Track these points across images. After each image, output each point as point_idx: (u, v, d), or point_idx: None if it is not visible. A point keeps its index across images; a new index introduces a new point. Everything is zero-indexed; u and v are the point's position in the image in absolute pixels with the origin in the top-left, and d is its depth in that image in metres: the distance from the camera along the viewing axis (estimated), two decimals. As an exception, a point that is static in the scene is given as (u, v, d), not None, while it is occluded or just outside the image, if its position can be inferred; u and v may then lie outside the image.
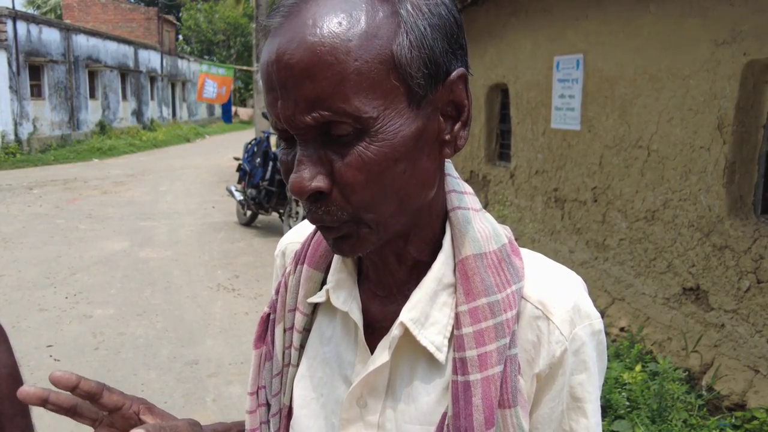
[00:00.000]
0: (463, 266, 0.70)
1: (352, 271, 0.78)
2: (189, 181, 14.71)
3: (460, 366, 0.67)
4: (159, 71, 31.29)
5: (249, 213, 9.43)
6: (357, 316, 0.75)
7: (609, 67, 4.89)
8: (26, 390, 0.72)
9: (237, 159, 10.03)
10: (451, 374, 0.69)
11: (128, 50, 27.67)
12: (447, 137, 0.68)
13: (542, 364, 0.69)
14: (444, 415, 0.70)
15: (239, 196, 9.29)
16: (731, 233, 3.76)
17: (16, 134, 18.64)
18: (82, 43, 23.25)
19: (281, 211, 8.80)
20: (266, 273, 7.00)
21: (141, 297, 6.08)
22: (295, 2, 0.63)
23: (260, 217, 9.59)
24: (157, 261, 7.44)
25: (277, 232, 9.06)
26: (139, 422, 0.77)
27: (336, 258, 0.79)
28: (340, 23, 0.59)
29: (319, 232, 0.83)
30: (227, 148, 22.79)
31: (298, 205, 8.10)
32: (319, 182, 0.62)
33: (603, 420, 3.02)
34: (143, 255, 7.71)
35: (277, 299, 0.85)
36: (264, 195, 8.65)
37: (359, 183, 0.62)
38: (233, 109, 38.59)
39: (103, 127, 24.01)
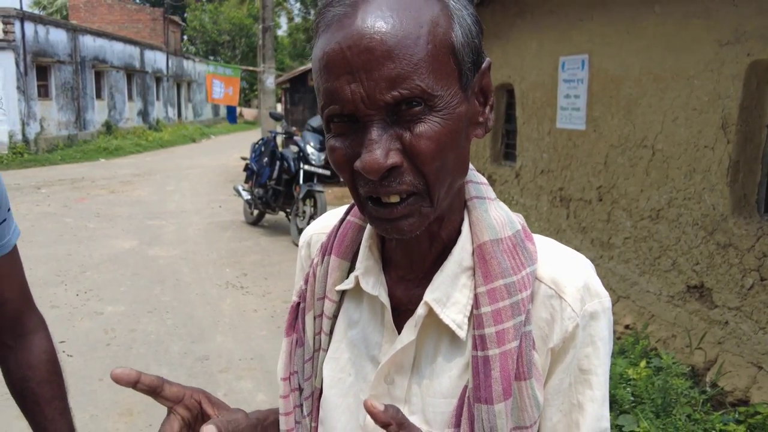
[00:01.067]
0: (481, 251, 0.76)
1: (377, 259, 0.84)
2: (195, 181, 14.79)
3: (480, 342, 0.73)
4: (164, 72, 31.42)
5: (256, 212, 9.50)
6: (385, 299, 0.80)
7: (614, 68, 4.94)
8: (119, 372, 0.74)
9: (244, 159, 10.11)
10: (471, 350, 0.75)
11: (134, 51, 27.80)
12: (480, 119, 0.76)
13: (556, 339, 0.75)
14: (465, 388, 0.76)
15: (246, 196, 9.36)
16: (735, 231, 3.81)
17: (23, 134, 18.77)
18: (89, 43, 23.38)
19: (288, 210, 8.86)
20: (274, 271, 7.07)
21: (151, 294, 6.16)
22: None
23: (267, 216, 9.66)
24: (166, 259, 7.52)
25: (284, 231, 9.13)
26: (202, 411, 0.82)
27: (363, 247, 0.84)
28: (410, 13, 0.67)
29: (345, 223, 0.88)
30: (233, 148, 22.88)
31: (305, 205, 8.16)
32: (394, 158, 0.68)
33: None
34: (152, 253, 7.79)
35: (306, 288, 0.90)
36: (271, 194, 8.72)
37: (431, 151, 0.68)
38: (238, 109, 38.71)
39: (109, 127, 24.14)
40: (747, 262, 3.74)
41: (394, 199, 0.70)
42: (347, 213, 0.90)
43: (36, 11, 34.98)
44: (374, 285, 0.82)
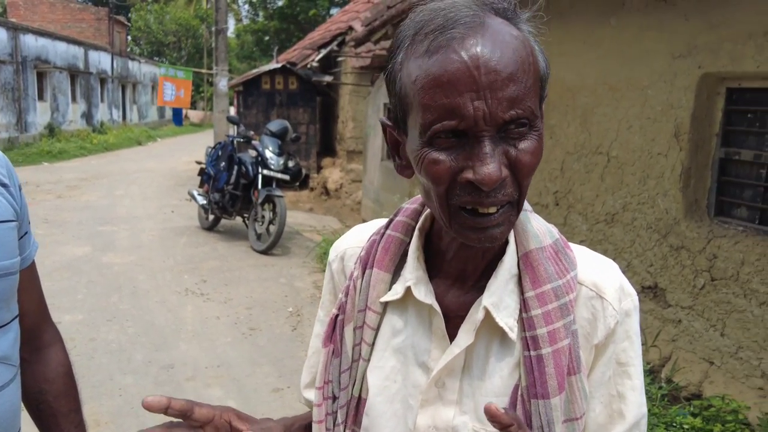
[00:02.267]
0: (527, 258, 0.84)
1: (425, 270, 0.88)
2: (145, 185, 14.49)
3: (532, 342, 0.81)
4: (109, 73, 30.63)
5: (212, 217, 9.33)
6: (437, 307, 0.85)
7: (570, 77, 5.11)
8: (151, 400, 0.78)
9: (199, 163, 9.95)
10: (522, 350, 0.82)
11: (78, 51, 26.99)
12: None
13: (600, 335, 0.83)
14: (516, 386, 0.82)
15: (202, 201, 9.21)
16: (687, 234, 4.01)
17: (-40, 137, 18.05)
18: (31, 43, 22.58)
19: (246, 215, 8.76)
20: (234, 277, 7.02)
21: (109, 302, 6.04)
22: (475, 20, 0.74)
23: (222, 221, 9.53)
24: (121, 266, 7.37)
25: (241, 236, 9.04)
26: (231, 429, 0.85)
27: (411, 259, 0.89)
28: (518, 43, 0.75)
29: (386, 238, 0.92)
30: (181, 151, 22.47)
31: (263, 209, 8.11)
32: (505, 171, 0.74)
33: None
34: (106, 260, 7.62)
35: (346, 301, 0.93)
36: (228, 199, 8.59)
37: (531, 165, 0.76)
38: (184, 111, 38.05)
39: (52, 130, 23.34)
40: (698, 264, 3.94)
41: (492, 209, 0.76)
42: (386, 228, 0.94)
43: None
44: (426, 294, 0.86)
